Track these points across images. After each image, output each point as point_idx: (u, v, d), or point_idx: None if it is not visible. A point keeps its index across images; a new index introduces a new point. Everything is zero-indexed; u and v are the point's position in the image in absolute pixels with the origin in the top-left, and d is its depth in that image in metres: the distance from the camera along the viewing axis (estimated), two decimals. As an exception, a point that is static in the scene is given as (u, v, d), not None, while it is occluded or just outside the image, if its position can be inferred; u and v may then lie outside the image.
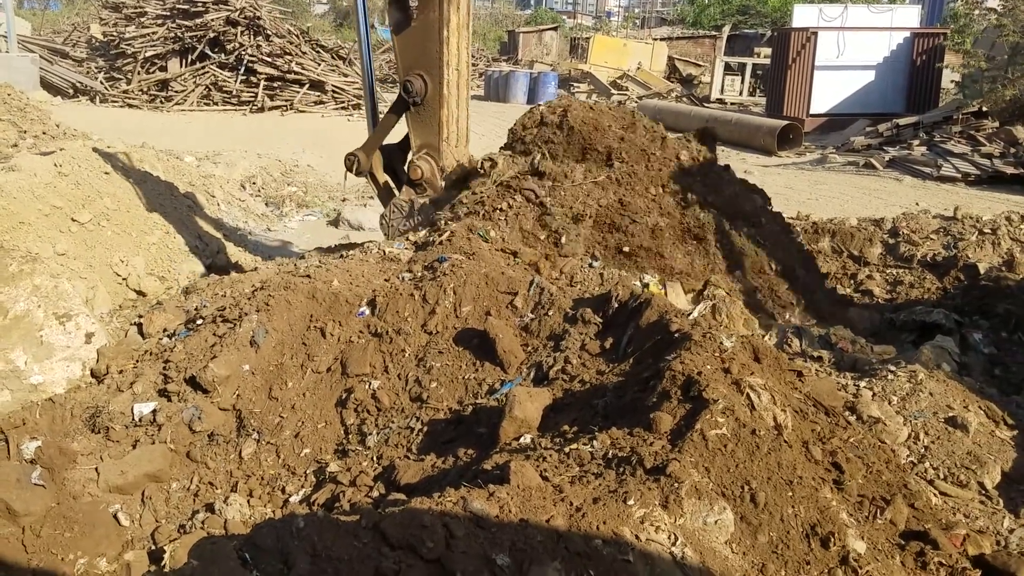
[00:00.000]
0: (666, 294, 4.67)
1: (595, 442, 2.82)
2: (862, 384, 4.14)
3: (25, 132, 11.80)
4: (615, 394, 3.44)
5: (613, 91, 28.94)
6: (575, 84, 31.12)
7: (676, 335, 3.59)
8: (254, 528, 2.23)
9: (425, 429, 3.94)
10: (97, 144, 10.21)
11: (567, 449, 2.82)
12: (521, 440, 3.28)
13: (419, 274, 4.90)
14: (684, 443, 2.68)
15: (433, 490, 2.85)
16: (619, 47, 34.21)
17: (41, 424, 4.26)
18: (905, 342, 5.55)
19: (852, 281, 7.10)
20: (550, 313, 4.29)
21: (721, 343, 3.38)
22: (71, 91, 22.27)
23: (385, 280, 4.99)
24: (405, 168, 6.89)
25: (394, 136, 7.15)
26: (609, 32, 42.14)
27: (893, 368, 4.29)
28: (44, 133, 11.89)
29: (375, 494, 3.49)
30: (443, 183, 6.51)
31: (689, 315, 3.85)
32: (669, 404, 2.94)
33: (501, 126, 17.71)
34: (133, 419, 4.27)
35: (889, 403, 3.95)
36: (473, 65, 29.71)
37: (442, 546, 2.12)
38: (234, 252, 9.63)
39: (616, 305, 4.09)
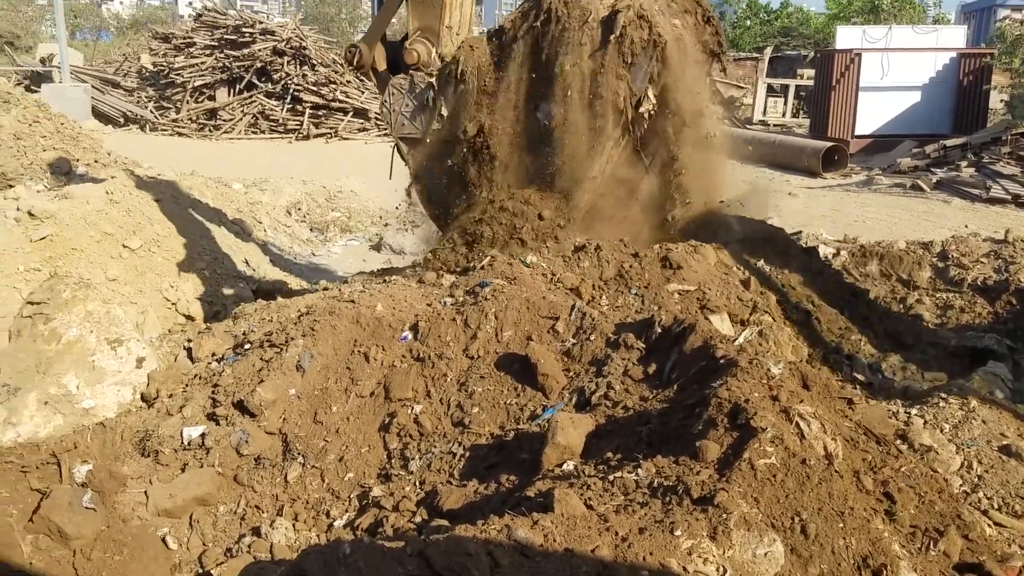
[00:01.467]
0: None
1: (640, 470, 2.79)
2: (913, 412, 4.05)
3: (78, 160, 12.16)
4: (659, 421, 3.41)
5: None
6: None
7: (722, 361, 3.55)
8: (301, 554, 2.25)
9: (467, 454, 3.94)
10: (148, 172, 10.47)
11: (612, 477, 2.79)
12: (564, 467, 3.26)
13: (461, 299, 4.92)
14: (732, 472, 2.64)
15: (476, 517, 2.85)
16: (659, 70, 34.14)
17: (92, 448, 4.35)
18: (956, 368, 5.42)
19: (901, 305, 6.96)
20: (592, 338, 4.27)
21: (768, 370, 3.33)
22: (122, 120, 22.90)
23: (427, 305, 5.02)
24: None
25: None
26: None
27: (944, 395, 4.19)
28: (96, 161, 12.23)
29: (418, 519, 3.49)
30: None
31: (735, 341, 3.81)
32: (716, 432, 2.90)
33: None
34: (182, 443, 4.34)
35: (941, 431, 3.85)
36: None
37: (487, 575, 2.11)
38: (280, 277, 9.78)
39: (659, 330, 4.06)
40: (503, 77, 5.88)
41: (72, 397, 4.61)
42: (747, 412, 2.91)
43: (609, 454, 3.21)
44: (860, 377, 4.69)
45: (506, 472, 3.55)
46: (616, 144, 5.84)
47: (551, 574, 2.16)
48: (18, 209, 7.40)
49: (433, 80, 6.04)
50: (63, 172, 11.17)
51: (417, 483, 3.82)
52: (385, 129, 22.47)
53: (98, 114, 22.12)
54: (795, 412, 2.94)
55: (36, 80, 24.50)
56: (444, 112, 6.06)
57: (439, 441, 4.11)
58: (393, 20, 6.89)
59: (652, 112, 5.67)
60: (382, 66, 6.35)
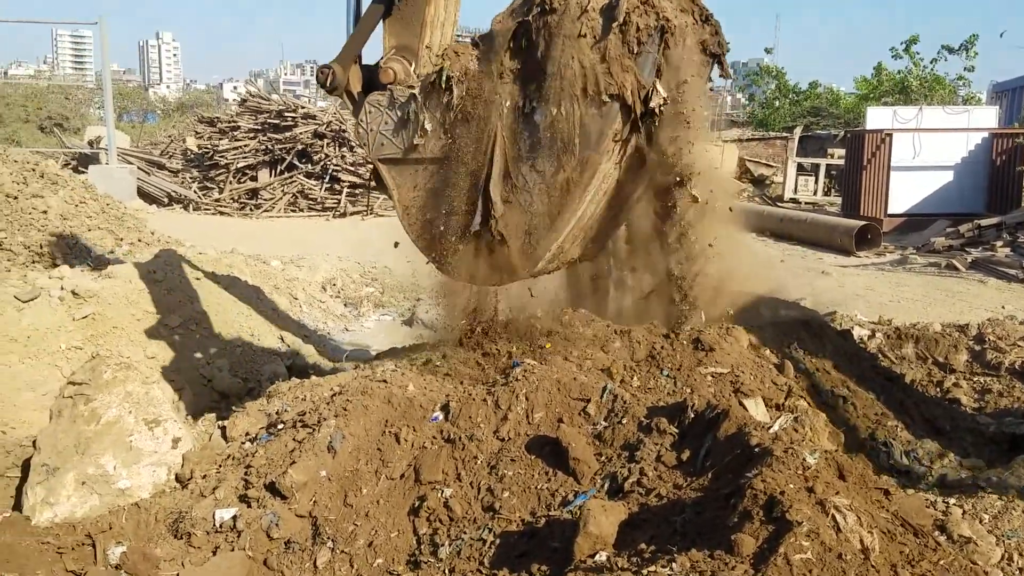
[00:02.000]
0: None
1: (674, 564, 2.76)
2: (951, 501, 3.96)
3: (122, 240, 12.53)
4: (694, 511, 3.37)
5: (685, 193, 29.09)
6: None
7: (756, 449, 3.52)
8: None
9: (497, 541, 3.91)
10: (190, 251, 10.75)
11: (645, 571, 2.76)
12: (596, 558, 3.22)
13: (492, 379, 4.95)
14: (768, 568, 2.60)
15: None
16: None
17: (127, 529, 4.39)
18: (995, 454, 5.30)
19: (938, 389, 6.84)
20: (624, 421, 4.26)
21: (804, 459, 3.30)
22: (166, 200, 23.61)
23: (459, 385, 5.05)
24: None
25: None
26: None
27: (983, 484, 4.09)
28: (140, 240, 12.58)
29: (448, 609, 3.46)
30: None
31: (769, 428, 3.77)
32: (751, 525, 2.87)
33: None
34: (214, 525, 4.35)
35: (980, 522, 3.76)
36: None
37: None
38: (313, 354, 9.88)
39: (692, 415, 4.04)
40: (494, 83, 5.27)
41: (109, 477, 4.66)
42: (783, 505, 2.87)
43: (643, 545, 3.17)
44: (896, 464, 4.60)
45: (537, 561, 3.51)
46: (619, 152, 5.22)
47: (582, 671, 2.13)
48: (62, 288, 7.63)
49: (416, 91, 5.45)
50: (107, 251, 11.52)
51: (447, 571, 3.79)
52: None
53: (143, 194, 22.83)
54: (831, 504, 2.89)
55: (84, 161, 25.45)
56: (428, 127, 5.44)
57: (469, 527, 4.08)
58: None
59: (662, 107, 5.07)
60: (357, 87, 5.77)
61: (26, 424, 6.07)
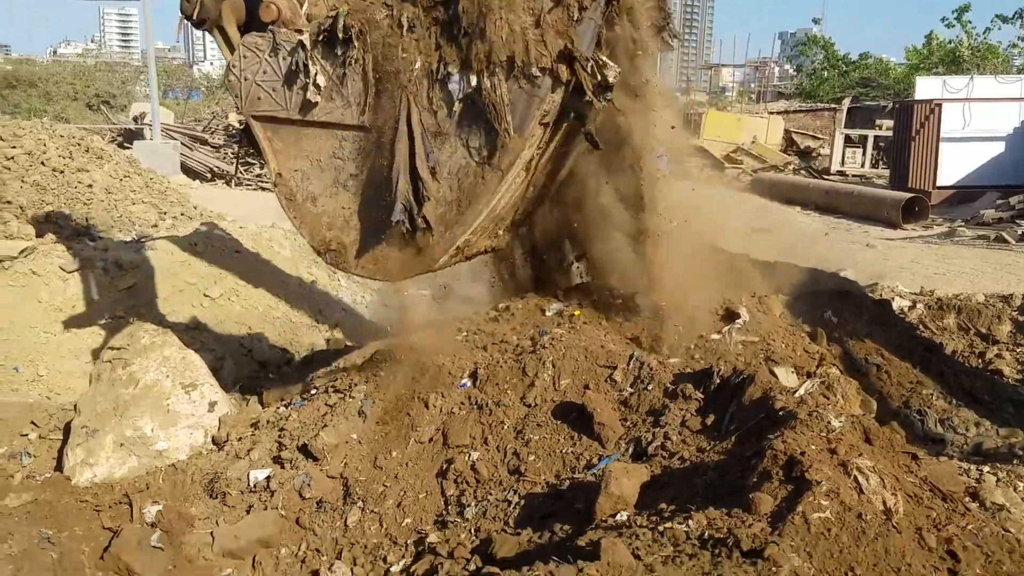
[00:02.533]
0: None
1: (691, 521, 2.76)
2: (985, 469, 3.89)
3: (165, 213, 12.75)
4: (716, 473, 3.36)
5: (727, 164, 28.75)
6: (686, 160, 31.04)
7: (781, 413, 3.50)
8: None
9: (522, 503, 3.94)
10: (230, 225, 10.91)
11: (661, 528, 2.77)
12: (617, 517, 3.23)
13: (520, 347, 4.96)
14: (785, 526, 2.59)
15: (527, 565, 2.84)
16: (733, 122, 34.04)
17: (163, 489, 4.52)
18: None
19: (980, 360, 6.69)
20: (650, 388, 4.25)
21: (829, 423, 3.27)
22: (209, 175, 23.94)
23: (486, 352, 5.07)
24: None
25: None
26: (724, 107, 42.08)
27: (1021, 452, 4.01)
28: (182, 214, 12.79)
29: (472, 567, 3.50)
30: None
31: (795, 392, 3.74)
32: (770, 485, 2.85)
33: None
34: (248, 485, 4.46)
35: (1015, 489, 3.68)
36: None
37: (528, 620, 2.11)
38: (350, 326, 9.99)
39: (718, 381, 4.02)
40: (402, 36, 4.31)
41: (147, 439, 4.79)
42: (802, 465, 2.85)
43: (663, 505, 3.18)
44: (931, 433, 4.53)
45: (561, 521, 3.53)
46: (546, 137, 4.43)
47: (593, 622, 2.15)
48: (106, 259, 7.80)
49: (305, 39, 4.46)
50: (150, 225, 11.74)
51: (472, 530, 3.83)
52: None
53: (186, 169, 23.18)
54: (853, 465, 2.87)
55: (129, 137, 25.92)
56: (321, 82, 4.44)
57: (495, 489, 4.12)
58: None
59: (616, 78, 4.20)
60: (232, 24, 4.80)
61: (70, 391, 6.25)
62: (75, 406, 4.98)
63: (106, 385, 4.94)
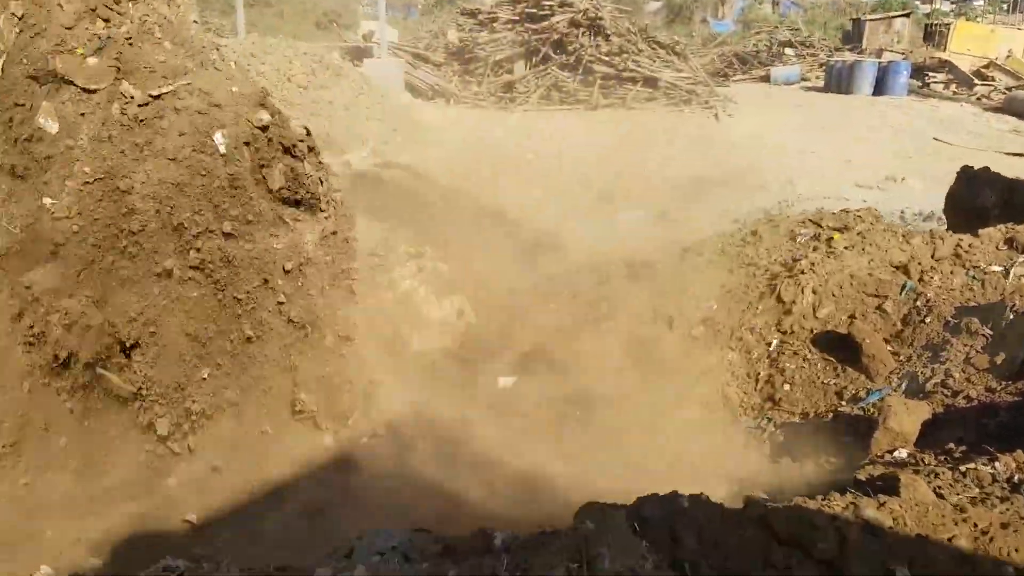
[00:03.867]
0: None
1: (997, 464, 2.55)
2: None
3: (395, 130, 13.32)
4: (1010, 415, 3.09)
5: (976, 81, 25.88)
6: (931, 73, 28.24)
7: (1092, 356, 3.14)
8: (638, 500, 2.31)
9: (776, 432, 3.84)
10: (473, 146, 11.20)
11: (963, 468, 2.58)
12: (896, 454, 3.06)
13: (773, 270, 4.77)
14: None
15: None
16: (985, 34, 30.51)
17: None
18: None
19: None
20: (927, 321, 3.95)
21: None
22: (429, 93, 24.65)
23: (731, 274, 4.92)
24: None
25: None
26: (974, 18, 37.71)
27: None
28: (414, 133, 13.31)
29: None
30: None
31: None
32: (1090, 432, 2.58)
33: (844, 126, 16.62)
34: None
35: None
36: (813, 55, 28.25)
37: (835, 549, 2.04)
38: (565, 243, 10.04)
39: (1011, 316, 3.66)
40: None
41: (403, 340, 5.09)
42: None
43: (951, 445, 2.97)
44: None
45: (826, 454, 3.41)
46: None
47: (904, 557, 2.05)
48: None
49: None
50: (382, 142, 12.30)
51: (726, 454, 3.79)
52: (673, 99, 22.23)
53: (410, 88, 23.99)
54: None
55: (357, 55, 27.09)
56: None
57: (748, 412, 4.04)
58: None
59: None
60: None
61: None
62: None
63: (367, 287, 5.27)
